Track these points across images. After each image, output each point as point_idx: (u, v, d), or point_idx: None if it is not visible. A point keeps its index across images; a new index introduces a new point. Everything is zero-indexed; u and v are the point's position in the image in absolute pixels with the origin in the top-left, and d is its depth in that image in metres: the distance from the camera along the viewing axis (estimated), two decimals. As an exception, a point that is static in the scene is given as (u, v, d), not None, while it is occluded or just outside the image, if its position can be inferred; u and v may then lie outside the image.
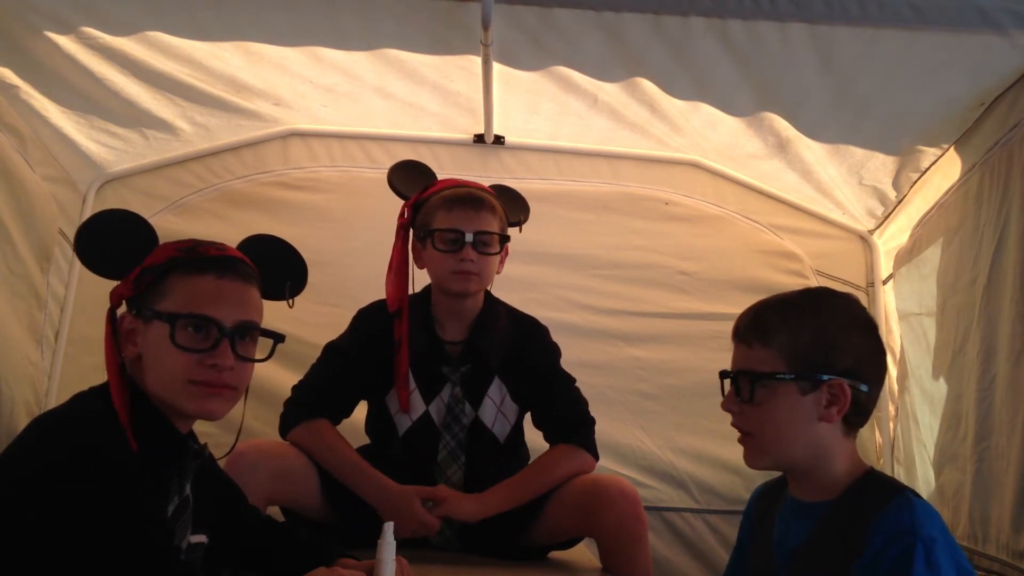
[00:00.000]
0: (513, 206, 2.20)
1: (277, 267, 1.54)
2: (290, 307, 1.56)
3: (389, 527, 1.39)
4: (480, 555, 2.07)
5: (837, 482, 1.39)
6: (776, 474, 1.55)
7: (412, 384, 2.11)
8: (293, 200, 2.80)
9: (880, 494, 1.34)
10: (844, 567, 1.29)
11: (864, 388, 1.39)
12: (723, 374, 1.48)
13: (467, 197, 2.07)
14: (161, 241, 1.45)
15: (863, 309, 1.48)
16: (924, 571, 1.22)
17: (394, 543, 1.38)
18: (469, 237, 2.04)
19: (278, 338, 1.44)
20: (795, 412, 1.38)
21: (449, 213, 2.06)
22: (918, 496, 1.34)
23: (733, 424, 1.45)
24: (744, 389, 1.42)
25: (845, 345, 1.40)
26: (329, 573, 1.37)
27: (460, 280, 2.05)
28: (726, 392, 1.46)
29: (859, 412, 1.40)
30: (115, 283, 1.44)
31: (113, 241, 1.41)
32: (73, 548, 1.18)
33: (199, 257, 1.40)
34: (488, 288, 2.17)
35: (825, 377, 1.37)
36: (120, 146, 2.59)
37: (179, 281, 1.38)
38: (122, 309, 1.43)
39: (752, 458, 1.45)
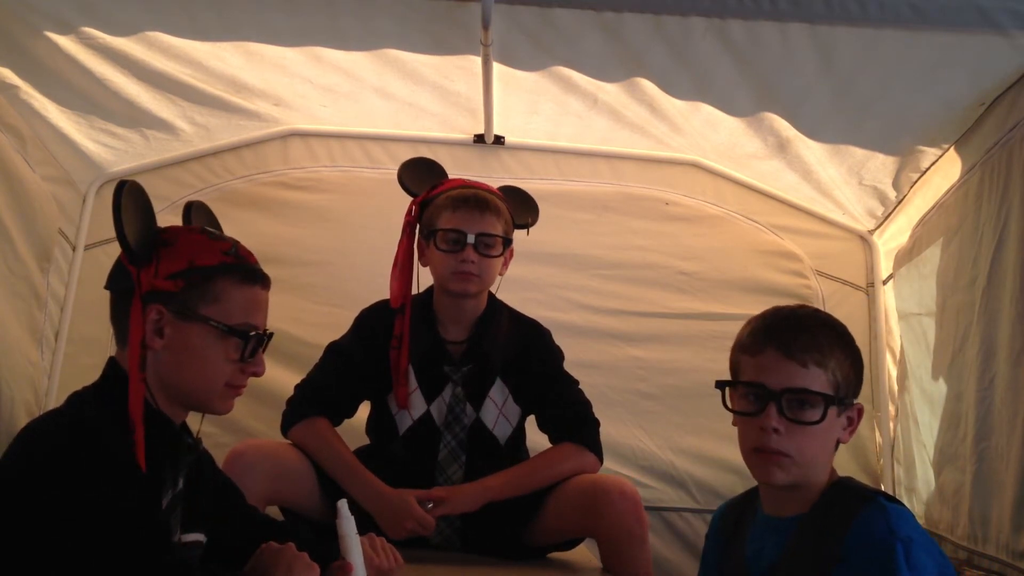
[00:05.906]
0: (522, 208, 2.20)
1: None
2: None
3: (343, 504, 1.40)
4: (480, 554, 2.07)
5: (812, 495, 1.41)
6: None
7: (414, 383, 2.12)
8: (293, 200, 2.81)
9: (853, 502, 1.36)
10: None
11: None
12: (753, 386, 1.41)
13: (472, 198, 2.07)
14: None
15: None
16: (907, 571, 1.23)
17: (352, 517, 1.40)
18: (471, 238, 2.04)
19: (269, 336, 1.48)
20: (831, 433, 1.41)
21: (453, 213, 2.06)
22: (890, 500, 1.36)
23: (770, 445, 1.37)
24: (793, 408, 1.38)
25: (862, 370, 1.46)
26: (280, 549, 1.37)
27: (460, 280, 2.06)
28: (767, 409, 1.38)
29: None
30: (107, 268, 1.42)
31: (143, 211, 1.38)
32: (72, 551, 1.18)
33: (248, 267, 1.42)
34: (492, 290, 2.18)
35: (855, 400, 1.42)
36: (120, 146, 2.59)
37: (232, 289, 1.39)
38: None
39: (781, 475, 1.38)
